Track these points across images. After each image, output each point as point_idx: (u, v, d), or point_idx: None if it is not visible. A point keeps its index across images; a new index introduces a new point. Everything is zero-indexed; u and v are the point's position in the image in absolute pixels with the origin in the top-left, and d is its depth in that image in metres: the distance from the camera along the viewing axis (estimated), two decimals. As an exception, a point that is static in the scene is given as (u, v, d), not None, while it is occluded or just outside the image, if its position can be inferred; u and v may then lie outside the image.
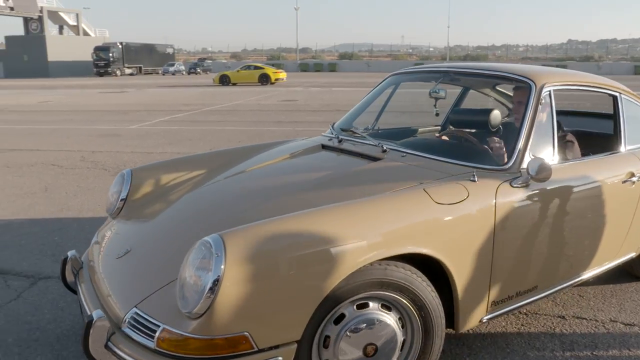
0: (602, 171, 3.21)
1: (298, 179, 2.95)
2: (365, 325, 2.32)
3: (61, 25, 68.13)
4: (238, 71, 34.45)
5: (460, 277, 2.53)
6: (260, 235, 2.08)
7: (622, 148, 3.49)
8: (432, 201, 2.46)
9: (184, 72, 56.78)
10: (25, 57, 62.23)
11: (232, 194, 2.90)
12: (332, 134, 3.61)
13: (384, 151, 3.11)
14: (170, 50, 68.35)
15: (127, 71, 58.11)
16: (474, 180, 2.66)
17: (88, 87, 33.63)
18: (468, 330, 3.16)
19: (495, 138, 3.11)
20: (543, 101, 3.00)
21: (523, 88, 3.09)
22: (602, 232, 3.24)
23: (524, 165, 2.80)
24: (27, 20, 63.19)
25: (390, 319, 2.37)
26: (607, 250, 3.31)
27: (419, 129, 4.14)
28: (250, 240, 2.05)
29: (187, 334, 1.98)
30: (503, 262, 2.72)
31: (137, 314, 2.17)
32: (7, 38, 64.61)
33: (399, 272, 2.33)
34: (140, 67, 60.52)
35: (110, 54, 55.96)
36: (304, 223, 2.18)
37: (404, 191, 2.55)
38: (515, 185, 2.73)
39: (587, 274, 3.25)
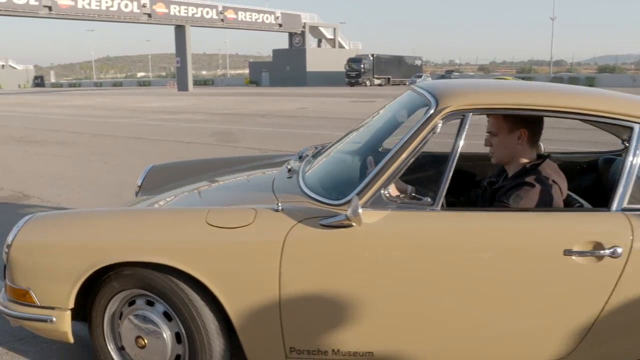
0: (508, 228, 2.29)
1: (222, 192, 3.30)
2: (138, 318, 2.56)
3: (320, 38, 73.81)
4: (485, 83, 34.02)
5: (234, 307, 2.36)
6: (55, 222, 2.61)
7: (614, 205, 2.31)
8: (204, 221, 2.37)
9: (430, 84, 57.59)
10: (288, 68, 68.69)
11: (178, 195, 3.26)
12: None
13: (289, 170, 2.93)
14: (418, 62, 69.49)
15: (376, 82, 60.35)
16: (277, 210, 2.35)
17: (340, 95, 36.01)
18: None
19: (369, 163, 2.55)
20: (439, 128, 2.36)
21: (424, 107, 2.49)
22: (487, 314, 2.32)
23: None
24: (291, 35, 69.76)
25: (155, 316, 2.52)
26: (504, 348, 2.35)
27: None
28: (42, 224, 2.60)
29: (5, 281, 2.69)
30: (296, 306, 2.33)
31: None
32: (274, 51, 72.03)
33: (157, 278, 2.43)
34: (388, 78, 62.42)
35: (362, 65, 58.84)
36: (86, 218, 2.62)
37: (189, 208, 2.77)
38: (324, 224, 2.27)
39: None
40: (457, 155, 2.33)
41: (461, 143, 2.36)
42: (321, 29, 71.05)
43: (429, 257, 2.28)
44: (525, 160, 2.63)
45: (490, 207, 2.56)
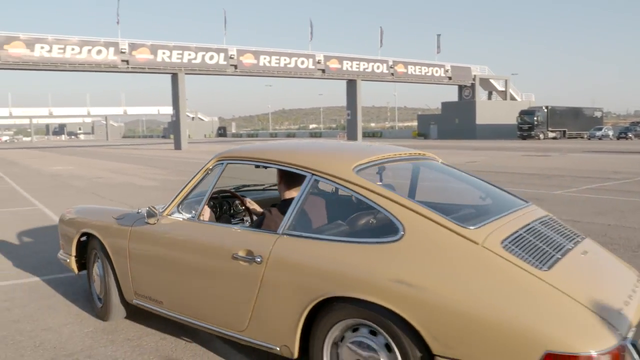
0: (212, 238, 3.44)
1: None
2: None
3: (490, 90, 72.15)
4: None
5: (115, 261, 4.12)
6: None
7: (280, 229, 3.17)
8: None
9: (612, 137, 53.76)
10: (457, 120, 67.89)
11: None
12: None
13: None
14: (597, 114, 65.27)
15: (551, 135, 57.71)
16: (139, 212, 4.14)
17: (511, 149, 34.61)
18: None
19: None
20: (210, 171, 3.69)
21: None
22: (206, 294, 3.41)
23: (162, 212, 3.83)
24: (461, 88, 69.06)
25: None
26: (224, 316, 3.33)
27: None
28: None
29: None
30: (135, 267, 3.92)
31: None
32: (443, 104, 71.74)
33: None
34: (564, 131, 59.45)
35: (535, 118, 56.36)
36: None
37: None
38: (138, 224, 3.90)
39: (204, 324, 3.46)
40: (213, 187, 3.64)
41: (216, 180, 3.65)
42: (492, 81, 69.55)
43: (168, 244, 3.66)
44: (282, 197, 3.68)
45: (206, 221, 3.68)
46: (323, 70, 56.15)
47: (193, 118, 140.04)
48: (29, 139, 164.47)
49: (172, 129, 57.83)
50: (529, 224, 2.96)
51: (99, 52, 44.97)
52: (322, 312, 2.85)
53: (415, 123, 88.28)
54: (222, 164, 3.60)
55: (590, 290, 2.46)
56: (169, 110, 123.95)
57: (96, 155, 40.29)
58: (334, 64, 56.73)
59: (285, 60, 53.69)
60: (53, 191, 14.32)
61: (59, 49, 43.52)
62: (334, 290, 2.73)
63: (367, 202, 2.92)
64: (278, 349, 3.03)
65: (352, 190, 2.98)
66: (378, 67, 59.61)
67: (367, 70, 58.75)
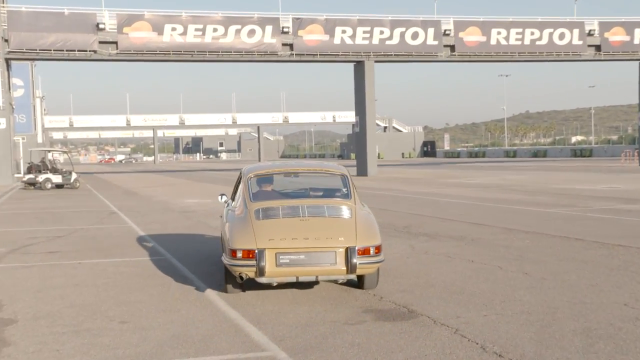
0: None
1: None
2: None
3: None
4: None
5: None
6: None
7: None
8: None
9: None
10: None
11: None
12: None
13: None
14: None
15: None
16: None
17: None
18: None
19: None
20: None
21: None
22: None
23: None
24: None
25: None
26: None
27: None
28: None
29: None
30: None
31: None
32: None
33: None
34: None
35: None
36: None
37: None
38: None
39: None
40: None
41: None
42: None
43: None
44: None
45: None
46: (597, 47, 53.73)
47: (385, 128, 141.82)
48: (150, 158, 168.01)
49: (355, 145, 57.45)
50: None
51: (252, 33, 46.32)
52: None
53: None
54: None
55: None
56: (348, 116, 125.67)
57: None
58: (617, 36, 53.48)
59: (532, 33, 51.82)
60: (184, 233, 15.53)
61: (197, 30, 45.38)
62: None
63: None
64: None
65: None
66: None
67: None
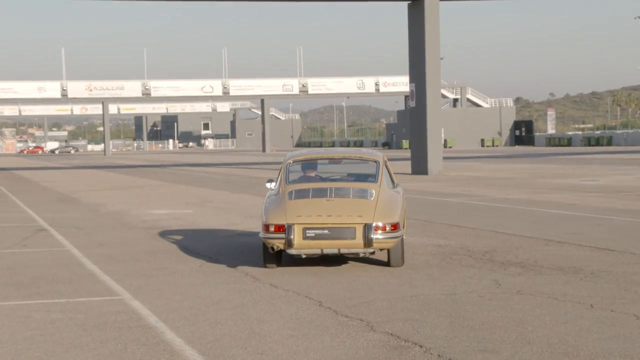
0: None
1: None
2: None
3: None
4: None
5: None
6: None
7: None
8: None
9: None
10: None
11: None
12: None
13: None
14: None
15: None
16: None
17: None
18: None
19: None
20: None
21: None
22: None
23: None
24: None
25: None
26: None
27: None
28: None
29: None
30: None
31: None
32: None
33: None
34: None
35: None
36: None
37: None
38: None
39: None
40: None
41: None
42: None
43: None
44: None
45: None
46: None
47: (456, 102, 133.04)
48: (99, 147, 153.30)
49: (409, 127, 53.98)
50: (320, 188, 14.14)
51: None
52: None
53: None
54: None
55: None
56: (398, 84, 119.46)
57: (238, 185, 41.92)
58: None
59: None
60: (151, 262, 14.84)
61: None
62: None
63: None
64: None
65: None
66: None
67: None
